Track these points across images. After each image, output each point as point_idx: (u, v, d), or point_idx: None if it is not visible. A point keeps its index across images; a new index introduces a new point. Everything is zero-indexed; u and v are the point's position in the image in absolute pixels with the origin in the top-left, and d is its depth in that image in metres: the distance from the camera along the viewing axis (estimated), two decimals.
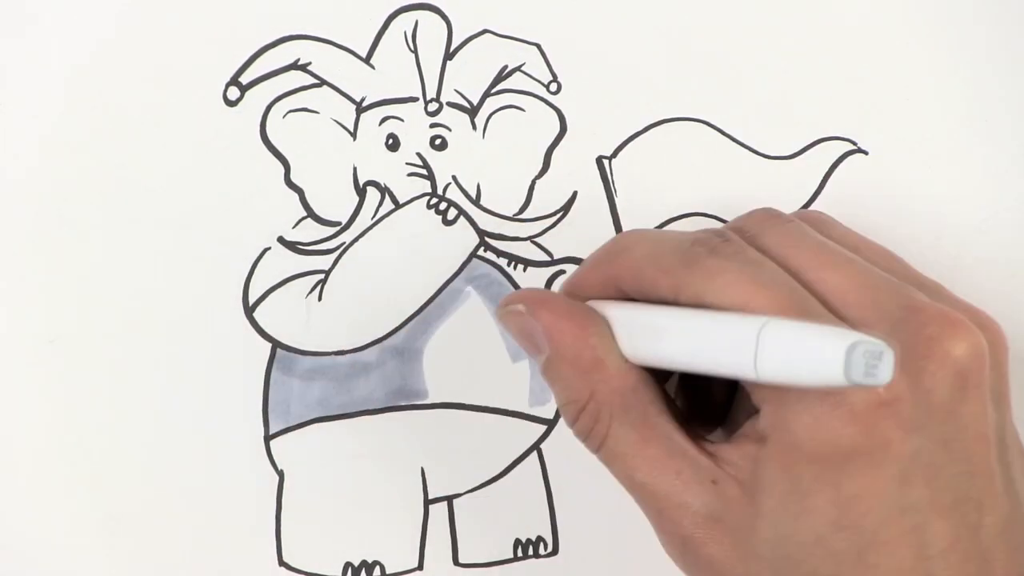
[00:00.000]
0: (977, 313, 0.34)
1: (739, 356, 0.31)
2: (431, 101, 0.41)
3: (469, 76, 0.41)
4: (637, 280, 0.35)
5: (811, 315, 0.32)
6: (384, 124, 0.41)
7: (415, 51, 0.41)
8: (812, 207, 0.42)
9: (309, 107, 0.41)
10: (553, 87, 0.42)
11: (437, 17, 0.41)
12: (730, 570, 0.33)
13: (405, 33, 0.41)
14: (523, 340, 0.36)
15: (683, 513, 0.34)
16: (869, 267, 0.34)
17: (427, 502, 0.41)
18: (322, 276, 0.41)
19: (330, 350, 0.41)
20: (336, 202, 0.41)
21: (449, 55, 0.41)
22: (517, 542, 0.41)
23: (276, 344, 0.41)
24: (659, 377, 0.36)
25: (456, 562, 0.41)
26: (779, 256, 0.34)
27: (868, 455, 0.31)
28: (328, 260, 0.41)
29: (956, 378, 0.32)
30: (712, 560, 0.34)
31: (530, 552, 0.41)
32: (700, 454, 0.34)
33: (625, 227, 0.42)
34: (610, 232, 0.42)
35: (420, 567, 0.41)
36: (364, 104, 0.41)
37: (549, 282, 0.41)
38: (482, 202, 0.41)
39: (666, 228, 0.38)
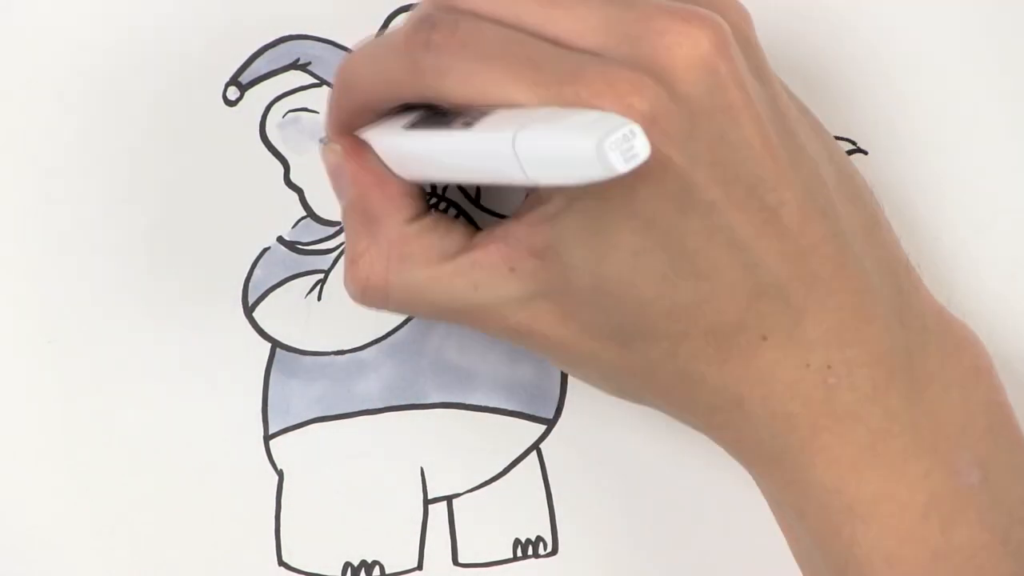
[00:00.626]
0: (711, 0, 0.34)
1: (508, 171, 0.30)
2: None
3: None
4: (381, 104, 0.35)
5: (545, 71, 0.31)
6: None
7: None
8: None
9: (309, 107, 0.41)
10: None
11: None
12: (563, 335, 0.34)
13: None
14: (332, 179, 0.37)
15: (500, 312, 0.35)
16: None
17: (427, 502, 0.41)
18: (322, 276, 0.41)
19: (330, 350, 0.41)
20: (336, 202, 0.41)
21: None
22: (517, 542, 0.41)
23: (276, 344, 0.41)
24: None
25: (456, 562, 0.41)
26: (494, 14, 0.33)
27: (651, 175, 0.31)
28: (328, 260, 0.41)
29: (707, 73, 0.32)
30: (546, 336, 0.35)
31: (530, 552, 0.41)
32: (487, 249, 0.35)
33: None
34: None
35: (420, 567, 0.41)
36: None
37: None
38: (482, 202, 0.41)
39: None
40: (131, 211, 0.40)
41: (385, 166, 0.36)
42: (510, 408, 0.41)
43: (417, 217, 0.36)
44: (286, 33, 0.41)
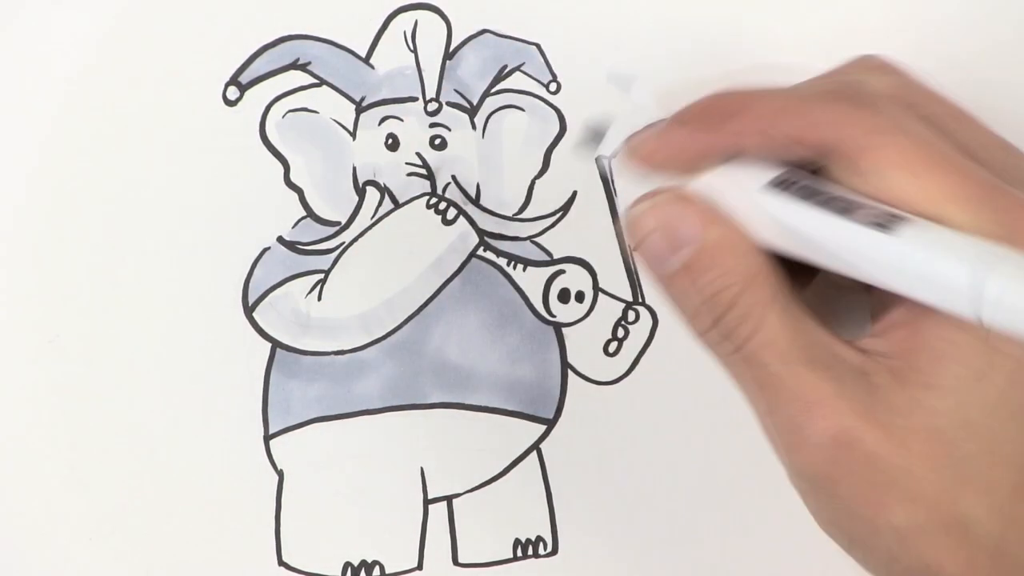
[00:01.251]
0: None
1: (947, 298, 0.29)
2: (431, 101, 0.41)
3: (469, 76, 0.41)
4: (768, 140, 0.31)
5: (997, 201, 0.29)
6: (384, 124, 0.41)
7: (415, 51, 0.41)
8: None
9: (309, 107, 0.41)
10: (553, 87, 0.42)
11: (437, 17, 0.41)
12: (893, 458, 0.30)
13: (405, 33, 0.41)
14: (664, 235, 0.32)
15: (835, 407, 0.30)
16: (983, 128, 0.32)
17: (427, 502, 0.41)
18: (322, 276, 0.41)
19: (330, 350, 0.41)
20: (336, 202, 0.41)
21: (449, 55, 0.41)
22: (517, 542, 0.41)
23: (276, 344, 0.41)
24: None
25: (456, 562, 0.41)
26: (923, 110, 0.31)
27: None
28: (328, 260, 0.41)
29: None
30: (869, 453, 0.30)
31: (530, 552, 0.41)
32: (846, 347, 0.31)
33: (625, 228, 0.42)
34: (609, 232, 0.42)
35: (420, 567, 0.41)
36: (364, 104, 0.41)
37: (548, 283, 0.41)
38: (482, 202, 0.41)
39: None
40: (131, 211, 0.40)
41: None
42: (510, 408, 0.41)
43: (783, 278, 0.32)
44: (286, 33, 0.41)
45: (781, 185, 0.31)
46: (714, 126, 0.32)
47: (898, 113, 0.31)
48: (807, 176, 0.31)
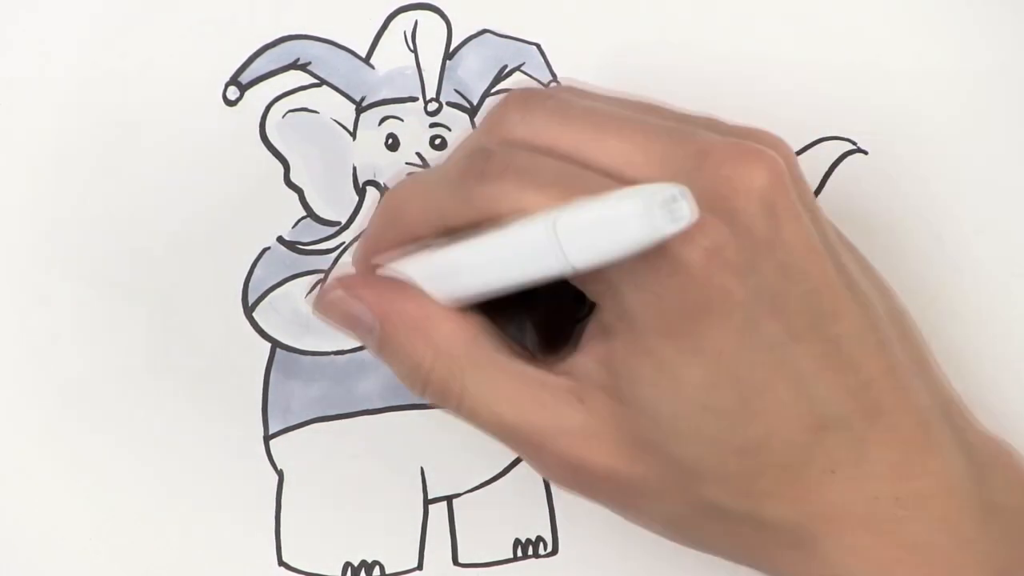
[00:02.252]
0: (762, 135, 0.34)
1: (547, 258, 0.30)
2: (431, 101, 0.41)
3: (469, 76, 0.41)
4: (425, 235, 0.34)
5: (597, 193, 0.31)
6: (384, 124, 0.41)
7: (415, 51, 0.41)
8: None
9: (309, 107, 0.41)
10: (553, 87, 0.42)
11: (437, 17, 0.41)
12: (628, 472, 0.33)
13: (405, 33, 0.41)
14: (350, 325, 0.35)
15: (563, 440, 0.33)
16: (644, 121, 0.33)
17: (427, 502, 0.41)
18: (322, 276, 0.41)
19: (330, 350, 0.41)
20: (336, 202, 0.41)
21: (449, 55, 0.41)
22: (517, 542, 0.41)
23: (276, 344, 0.41)
24: (504, 321, 0.35)
25: (456, 562, 0.41)
26: (548, 143, 0.33)
27: (715, 309, 0.31)
28: (328, 260, 0.41)
29: (767, 206, 0.32)
30: (608, 472, 0.33)
31: (530, 552, 0.41)
32: (558, 378, 0.34)
33: None
34: None
35: (420, 567, 0.41)
36: (364, 104, 0.41)
37: None
38: None
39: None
40: (131, 211, 0.40)
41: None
42: None
43: (482, 331, 0.35)
44: (286, 33, 0.41)
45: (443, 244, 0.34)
46: (386, 233, 0.35)
47: (517, 167, 0.33)
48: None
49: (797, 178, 0.34)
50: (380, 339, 0.35)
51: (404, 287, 0.34)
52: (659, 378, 0.32)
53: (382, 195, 0.41)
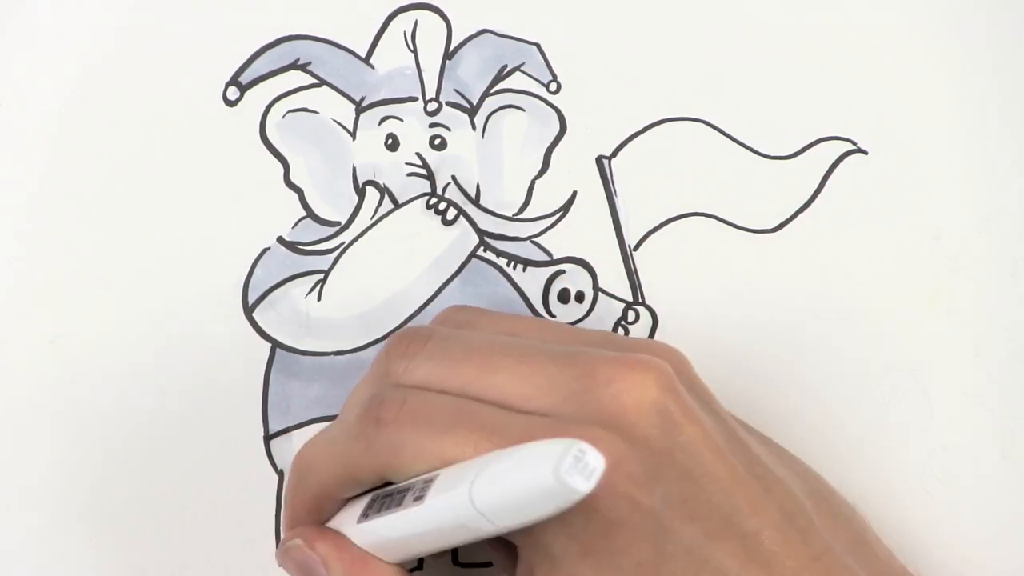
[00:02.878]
0: (649, 345, 0.35)
1: (476, 525, 0.30)
2: (430, 101, 0.41)
3: (468, 76, 0.41)
4: (342, 489, 0.35)
5: (497, 435, 0.32)
6: (383, 124, 0.41)
7: (415, 51, 0.41)
8: (812, 207, 0.42)
9: (309, 107, 0.41)
10: (553, 87, 0.42)
11: (436, 17, 0.41)
12: None
13: (404, 33, 0.41)
14: (304, 573, 0.35)
15: None
16: (530, 348, 0.34)
17: None
18: (321, 276, 0.41)
19: (330, 350, 0.41)
20: (335, 202, 0.41)
21: (448, 55, 0.41)
22: None
23: (275, 344, 0.41)
24: None
25: (456, 562, 0.41)
26: (439, 385, 0.34)
27: (626, 524, 0.31)
28: (327, 260, 0.41)
29: (659, 414, 0.32)
30: None
31: None
32: None
33: (625, 227, 0.42)
34: (610, 232, 0.42)
35: (420, 567, 0.41)
36: (363, 104, 0.41)
37: (548, 283, 0.41)
38: (482, 202, 0.41)
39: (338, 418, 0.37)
40: (131, 211, 0.40)
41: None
42: None
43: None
44: (286, 33, 0.41)
45: (368, 515, 0.34)
46: (301, 498, 0.36)
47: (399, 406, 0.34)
48: (388, 489, 0.34)
49: (692, 380, 0.34)
50: None
51: (343, 539, 0.35)
52: None
53: (392, 202, 0.41)
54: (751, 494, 0.33)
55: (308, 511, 0.36)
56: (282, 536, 0.37)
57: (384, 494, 0.34)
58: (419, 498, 0.32)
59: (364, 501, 0.35)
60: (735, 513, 0.32)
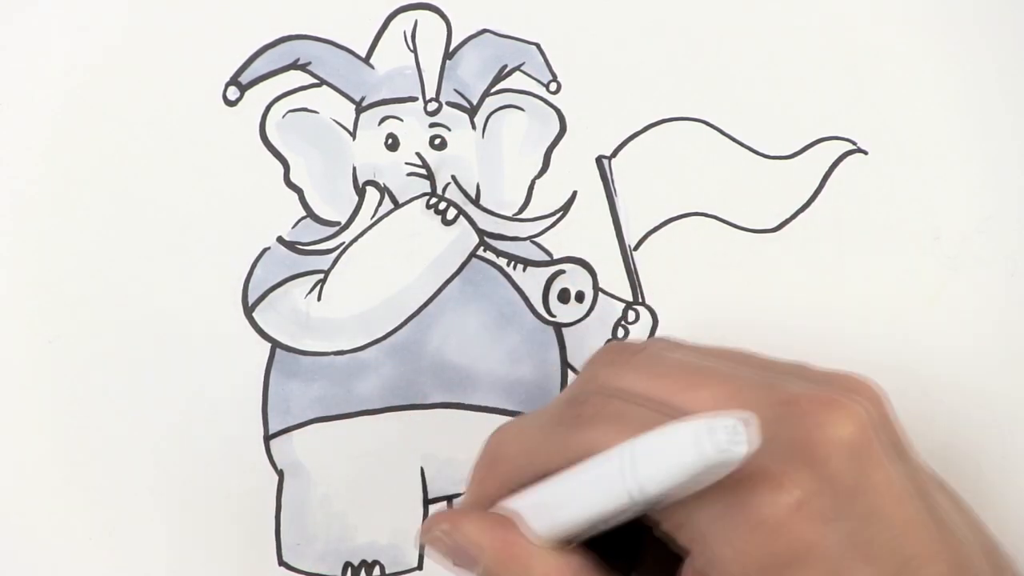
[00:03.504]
0: (847, 379, 0.35)
1: (618, 484, 0.31)
2: (430, 101, 0.41)
3: (468, 76, 0.41)
4: (524, 477, 0.35)
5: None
6: (383, 124, 0.41)
7: (415, 51, 0.41)
8: (812, 207, 0.42)
9: (309, 107, 0.41)
10: (553, 87, 0.42)
11: (436, 17, 0.41)
12: None
13: (404, 33, 0.41)
14: (457, 558, 0.36)
15: None
16: (731, 372, 0.34)
17: (426, 502, 0.41)
18: (321, 276, 0.41)
19: (329, 350, 0.41)
20: (335, 202, 0.41)
21: (448, 55, 0.41)
22: None
23: (275, 344, 0.41)
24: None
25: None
26: (641, 393, 0.34)
27: (801, 561, 0.31)
28: (327, 260, 0.41)
29: (851, 456, 0.32)
30: None
31: None
32: None
33: (625, 227, 0.42)
34: (609, 232, 0.42)
35: (420, 567, 0.41)
36: (363, 104, 0.41)
37: (548, 283, 0.41)
38: (482, 202, 0.41)
39: (539, 410, 0.37)
40: (131, 211, 0.40)
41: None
42: (510, 408, 0.41)
43: (581, 571, 0.35)
44: (286, 33, 0.41)
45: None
46: (487, 478, 0.36)
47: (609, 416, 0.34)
48: None
49: (886, 422, 0.34)
50: (484, 572, 0.35)
51: (507, 523, 0.35)
52: None
53: (392, 202, 0.41)
54: (929, 543, 0.33)
55: (491, 495, 0.36)
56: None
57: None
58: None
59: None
60: (912, 560, 0.32)
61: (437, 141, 0.41)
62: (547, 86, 0.42)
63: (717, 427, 0.29)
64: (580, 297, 0.42)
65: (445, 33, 0.41)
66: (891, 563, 0.32)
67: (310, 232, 0.41)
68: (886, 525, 0.32)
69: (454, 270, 0.41)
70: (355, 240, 0.41)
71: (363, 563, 0.41)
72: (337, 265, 0.41)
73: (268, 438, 0.41)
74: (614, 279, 0.42)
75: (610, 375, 0.35)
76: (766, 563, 0.31)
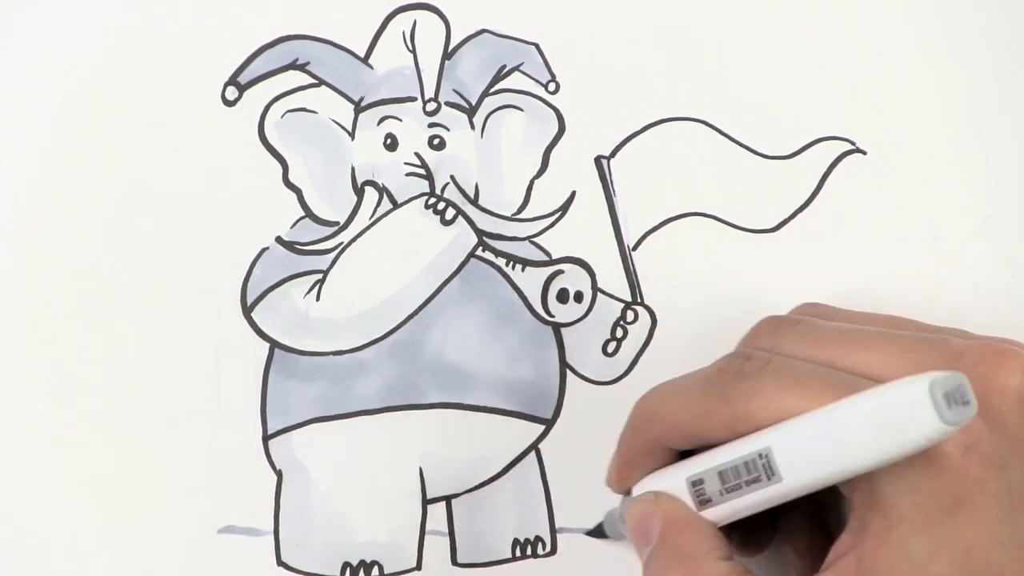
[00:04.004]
0: (1007, 340, 0.34)
1: (831, 458, 0.30)
2: (429, 101, 0.41)
3: (467, 76, 0.41)
4: (683, 438, 0.35)
5: (856, 390, 0.31)
6: (382, 124, 0.41)
7: (413, 51, 0.41)
8: (811, 207, 0.42)
9: (307, 107, 0.41)
10: (552, 87, 0.42)
11: (435, 17, 0.41)
12: None
13: (404, 33, 0.41)
14: (638, 526, 0.36)
15: None
16: (896, 334, 0.34)
17: (425, 502, 0.41)
18: (320, 276, 0.41)
19: (328, 350, 0.41)
20: (334, 202, 0.41)
21: (447, 55, 0.41)
22: (515, 542, 0.41)
23: (274, 344, 0.41)
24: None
25: (455, 562, 0.41)
26: (806, 358, 0.34)
27: (969, 502, 0.31)
28: (326, 260, 0.41)
29: (1021, 405, 0.32)
30: None
31: (528, 552, 0.41)
32: None
33: (624, 227, 0.42)
34: (608, 232, 0.42)
35: (418, 567, 0.41)
36: (362, 104, 0.41)
37: (547, 283, 0.41)
38: (480, 202, 0.41)
39: (688, 373, 0.37)
40: (130, 211, 0.40)
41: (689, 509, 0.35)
42: (509, 408, 0.41)
43: (729, 557, 0.35)
44: (285, 33, 0.41)
45: (702, 489, 0.35)
46: (637, 440, 0.36)
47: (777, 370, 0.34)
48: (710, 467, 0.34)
49: None
50: (651, 552, 0.35)
51: (692, 520, 0.35)
52: (911, 573, 0.31)
53: (391, 202, 0.41)
54: None
55: (644, 456, 0.36)
56: (609, 478, 0.37)
57: (718, 471, 0.34)
58: (772, 474, 0.32)
59: (690, 466, 0.35)
60: None
61: (436, 141, 0.41)
62: (546, 86, 0.42)
63: (942, 384, 0.29)
64: (579, 297, 0.42)
65: (444, 33, 0.41)
66: None
67: (309, 232, 0.41)
68: None
69: (453, 270, 0.41)
70: (354, 240, 0.41)
71: (362, 563, 0.41)
72: (336, 265, 0.41)
73: (267, 438, 0.41)
74: (613, 279, 0.42)
75: (771, 342, 0.35)
76: (934, 502, 0.31)
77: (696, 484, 0.34)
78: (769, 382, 0.33)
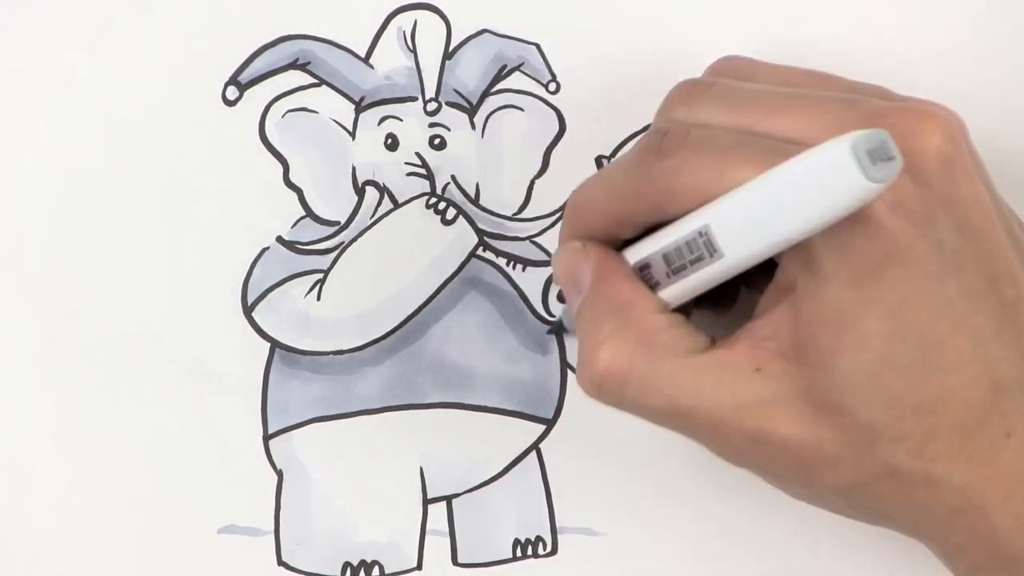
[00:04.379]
0: (926, 101, 0.34)
1: (769, 230, 0.30)
2: (430, 101, 0.41)
3: (468, 76, 0.41)
4: (617, 225, 0.35)
5: (778, 155, 0.31)
6: (383, 124, 0.41)
7: (414, 51, 0.41)
8: None
9: (308, 107, 0.41)
10: (552, 87, 0.42)
11: (436, 16, 0.41)
12: (807, 439, 0.32)
13: (404, 32, 0.41)
14: (568, 276, 0.36)
15: (742, 414, 0.33)
16: (814, 95, 0.34)
17: (426, 502, 0.41)
18: (321, 276, 0.41)
19: (329, 350, 0.41)
20: (335, 202, 0.41)
21: (448, 54, 0.41)
22: (516, 542, 0.41)
23: (275, 344, 0.41)
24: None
25: (455, 562, 0.41)
26: (723, 125, 0.34)
27: (898, 259, 0.31)
28: (327, 260, 0.41)
29: (944, 164, 0.32)
30: (787, 440, 0.33)
31: (529, 552, 0.41)
32: (731, 352, 0.33)
33: None
34: None
35: (419, 567, 0.41)
36: (363, 103, 0.41)
37: (547, 283, 0.41)
38: (481, 202, 0.41)
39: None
40: (131, 211, 0.41)
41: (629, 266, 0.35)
42: (509, 408, 0.41)
43: (665, 311, 0.34)
44: (286, 32, 0.41)
45: (648, 273, 0.35)
46: (575, 229, 0.36)
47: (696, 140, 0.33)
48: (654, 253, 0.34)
49: (970, 143, 0.34)
50: (582, 303, 0.35)
51: (624, 267, 0.35)
52: (841, 330, 0.31)
53: (392, 202, 0.41)
54: (1012, 264, 0.33)
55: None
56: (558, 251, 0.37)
57: (663, 254, 0.34)
58: (714, 251, 0.32)
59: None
60: (996, 278, 0.32)
61: (437, 141, 0.41)
62: (546, 86, 0.42)
63: (865, 142, 0.28)
64: None
65: (445, 33, 0.41)
66: (980, 277, 0.32)
67: (309, 232, 0.41)
68: (976, 239, 0.32)
69: (454, 270, 0.41)
70: (355, 240, 0.41)
71: (362, 563, 0.41)
72: (337, 265, 0.41)
73: (267, 438, 0.41)
74: None
75: (685, 112, 0.35)
76: (864, 260, 0.31)
77: (643, 269, 0.34)
78: (690, 156, 0.32)
